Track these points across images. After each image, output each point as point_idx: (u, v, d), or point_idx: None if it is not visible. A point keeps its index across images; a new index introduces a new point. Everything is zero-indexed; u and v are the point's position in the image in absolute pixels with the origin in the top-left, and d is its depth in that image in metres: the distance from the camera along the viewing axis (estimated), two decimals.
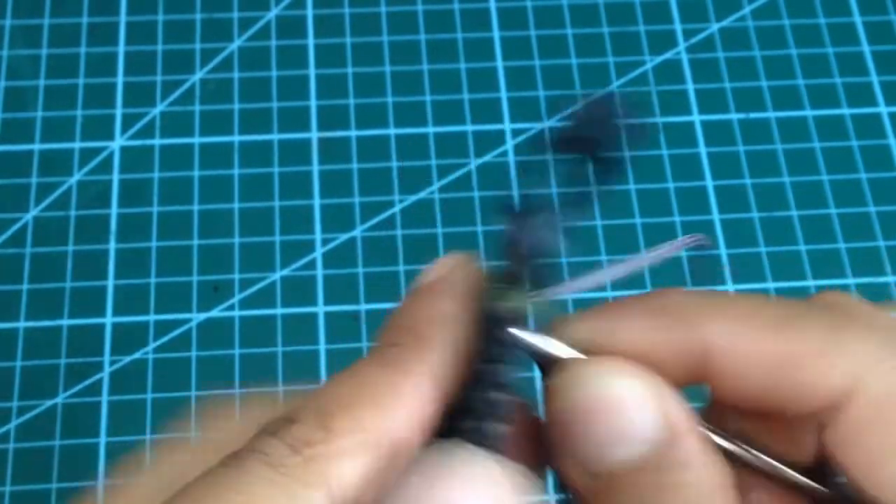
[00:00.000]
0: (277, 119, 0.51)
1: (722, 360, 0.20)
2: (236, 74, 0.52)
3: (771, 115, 0.52)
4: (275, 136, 0.51)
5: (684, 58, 0.54)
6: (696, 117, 0.52)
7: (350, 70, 0.53)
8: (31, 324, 0.46)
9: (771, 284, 0.48)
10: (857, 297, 0.21)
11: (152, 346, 0.46)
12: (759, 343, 0.19)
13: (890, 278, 0.48)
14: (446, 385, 0.20)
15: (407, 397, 0.19)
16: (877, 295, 0.48)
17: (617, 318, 0.21)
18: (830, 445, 0.20)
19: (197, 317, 0.47)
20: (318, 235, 0.49)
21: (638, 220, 0.49)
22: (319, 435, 0.19)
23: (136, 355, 0.46)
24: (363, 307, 0.47)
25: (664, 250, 0.23)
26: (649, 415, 0.19)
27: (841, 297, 0.21)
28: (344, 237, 0.49)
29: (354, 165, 0.50)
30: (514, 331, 0.22)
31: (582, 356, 0.21)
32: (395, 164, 0.50)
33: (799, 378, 0.19)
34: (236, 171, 0.50)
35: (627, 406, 0.19)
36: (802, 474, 0.21)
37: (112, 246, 0.48)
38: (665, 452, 0.19)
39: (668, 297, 0.21)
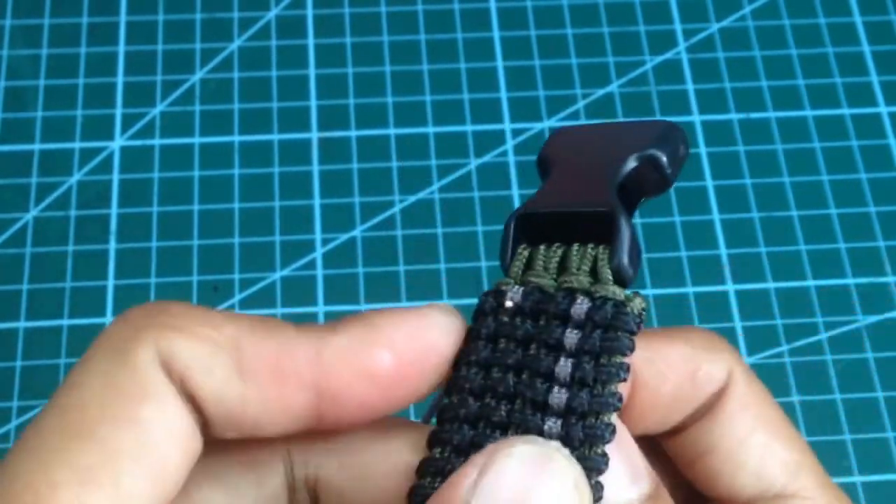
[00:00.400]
0: (277, 119, 0.51)
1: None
2: (236, 74, 0.53)
3: (771, 115, 0.52)
4: (275, 136, 0.51)
5: (684, 58, 0.54)
6: (696, 117, 0.52)
7: (350, 70, 0.53)
8: (31, 324, 0.46)
9: (771, 284, 0.48)
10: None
11: None
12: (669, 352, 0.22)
13: (890, 278, 0.48)
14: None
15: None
16: (877, 295, 0.48)
17: None
18: (691, 444, 0.23)
19: None
20: (318, 235, 0.49)
21: (637, 220, 0.49)
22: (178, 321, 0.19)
23: None
24: (363, 307, 0.47)
25: None
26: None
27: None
28: (344, 237, 0.49)
29: (354, 165, 0.50)
30: None
31: None
32: (395, 164, 0.50)
33: (699, 371, 0.22)
34: (236, 171, 0.50)
35: None
36: None
37: (112, 246, 0.48)
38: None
39: None
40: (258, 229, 0.49)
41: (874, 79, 0.53)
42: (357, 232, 0.49)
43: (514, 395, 0.20)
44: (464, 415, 0.20)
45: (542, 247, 0.21)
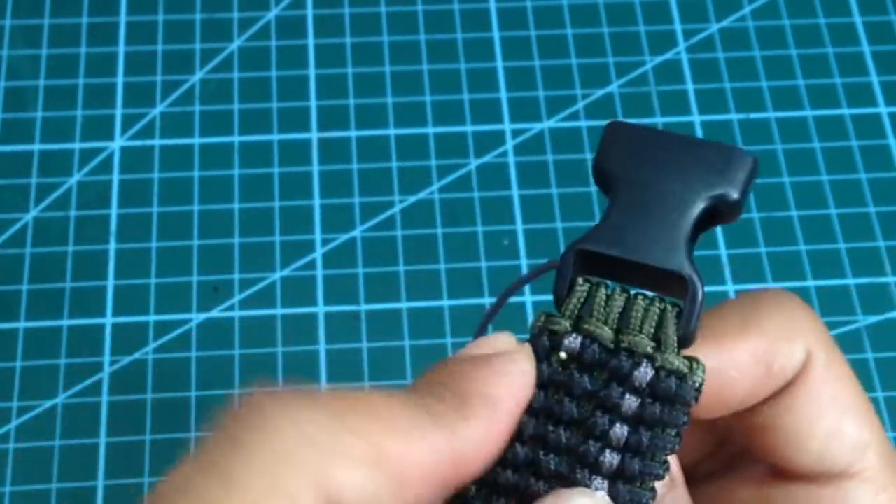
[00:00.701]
0: (277, 119, 0.51)
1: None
2: (236, 74, 0.53)
3: (771, 115, 0.52)
4: (275, 136, 0.51)
5: (684, 58, 0.54)
6: (696, 117, 0.52)
7: (350, 70, 0.53)
8: (31, 324, 0.46)
9: (771, 284, 0.48)
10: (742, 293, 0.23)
11: (152, 346, 0.46)
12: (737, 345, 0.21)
13: (890, 278, 0.48)
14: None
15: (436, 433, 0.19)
16: (877, 295, 0.48)
17: None
18: (764, 423, 0.22)
19: (197, 317, 0.47)
20: (318, 235, 0.49)
21: None
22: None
23: (136, 355, 0.46)
24: (363, 307, 0.47)
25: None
26: None
27: (748, 294, 0.23)
28: (344, 237, 0.49)
29: (354, 165, 0.50)
30: None
31: None
32: (395, 164, 0.50)
33: (775, 365, 0.21)
34: (236, 171, 0.50)
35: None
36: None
37: (112, 246, 0.48)
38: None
39: None
40: (258, 229, 0.49)
41: (874, 79, 0.53)
42: (357, 232, 0.49)
43: (566, 448, 0.20)
44: (512, 460, 0.20)
45: (602, 288, 0.21)
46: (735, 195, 0.20)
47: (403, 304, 0.47)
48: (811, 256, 0.49)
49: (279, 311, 0.47)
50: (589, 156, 0.51)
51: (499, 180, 0.50)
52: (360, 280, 0.48)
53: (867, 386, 0.45)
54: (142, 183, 0.50)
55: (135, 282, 0.47)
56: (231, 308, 0.47)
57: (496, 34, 0.54)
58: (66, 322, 0.46)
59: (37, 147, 0.50)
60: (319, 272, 0.48)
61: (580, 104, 0.52)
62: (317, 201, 0.49)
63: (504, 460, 0.20)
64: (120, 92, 0.52)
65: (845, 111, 0.52)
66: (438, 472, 0.19)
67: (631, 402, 0.20)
